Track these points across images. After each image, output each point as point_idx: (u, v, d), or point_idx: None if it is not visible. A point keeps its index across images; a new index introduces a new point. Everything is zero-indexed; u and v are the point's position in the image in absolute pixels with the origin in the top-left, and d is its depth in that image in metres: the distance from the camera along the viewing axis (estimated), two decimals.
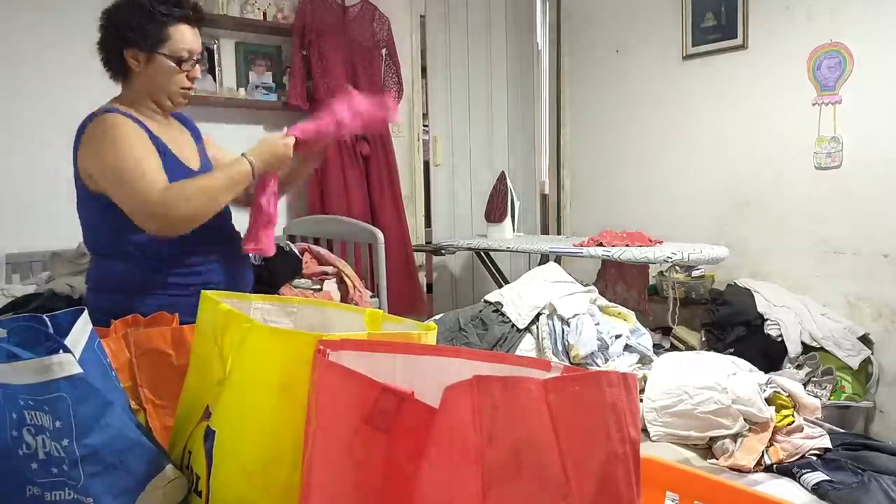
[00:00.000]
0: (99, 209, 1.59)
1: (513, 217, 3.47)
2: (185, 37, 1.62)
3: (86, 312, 0.77)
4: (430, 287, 4.18)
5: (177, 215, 1.49)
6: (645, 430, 1.59)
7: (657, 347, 2.66)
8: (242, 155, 1.61)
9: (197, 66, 1.68)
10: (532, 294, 2.03)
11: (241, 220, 1.78)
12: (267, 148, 1.63)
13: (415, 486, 0.55)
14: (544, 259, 3.12)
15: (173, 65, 1.61)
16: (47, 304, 2.21)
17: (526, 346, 1.94)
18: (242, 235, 1.73)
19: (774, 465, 1.47)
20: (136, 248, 1.58)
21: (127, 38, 1.58)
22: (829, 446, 1.52)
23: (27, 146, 2.77)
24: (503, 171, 3.60)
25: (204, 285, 1.63)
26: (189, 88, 1.67)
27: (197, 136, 1.81)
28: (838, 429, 1.74)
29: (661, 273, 3.40)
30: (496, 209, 3.46)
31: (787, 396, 1.57)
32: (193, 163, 1.71)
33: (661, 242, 2.93)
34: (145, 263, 1.59)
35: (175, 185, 1.53)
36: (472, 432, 0.52)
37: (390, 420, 0.56)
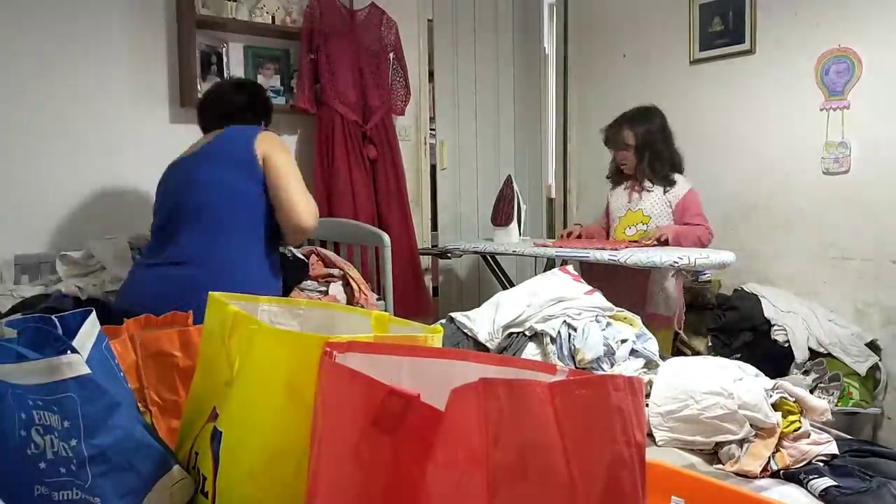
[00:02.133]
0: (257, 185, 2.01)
1: (519, 221, 3.47)
2: None
3: (94, 313, 0.77)
4: (435, 290, 4.18)
5: (310, 233, 2.14)
6: (651, 435, 1.58)
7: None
8: None
9: None
10: (510, 310, 2.03)
11: None
12: None
13: (421, 488, 0.55)
14: (550, 263, 3.12)
15: None
16: (56, 305, 2.22)
17: (531, 351, 1.93)
18: None
19: (781, 471, 1.46)
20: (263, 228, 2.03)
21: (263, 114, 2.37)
22: (837, 452, 1.51)
23: (36, 150, 2.78)
24: (510, 175, 3.60)
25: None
26: None
27: None
28: (846, 435, 1.72)
29: None
30: (502, 213, 3.46)
31: (794, 402, 1.56)
32: None
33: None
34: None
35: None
36: (478, 435, 0.52)
37: (396, 422, 0.56)
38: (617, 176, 3.25)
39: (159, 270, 1.96)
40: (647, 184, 3.08)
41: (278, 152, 2.07)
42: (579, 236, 3.25)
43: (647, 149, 3.06)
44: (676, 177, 3.07)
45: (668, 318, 2.96)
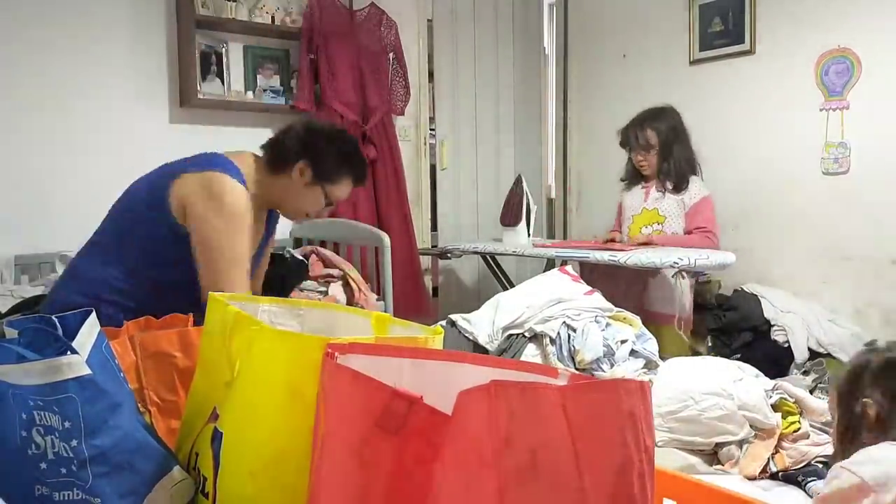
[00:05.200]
0: (163, 237, 1.56)
1: (528, 221, 3.42)
2: (346, 191, 1.73)
3: (94, 314, 0.77)
4: (435, 291, 4.18)
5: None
6: None
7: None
8: None
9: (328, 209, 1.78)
10: (509, 311, 2.03)
11: None
12: None
13: (424, 489, 0.55)
14: (550, 264, 3.11)
15: (323, 201, 1.71)
16: None
17: (531, 352, 1.93)
18: None
19: (780, 473, 1.47)
20: (158, 281, 1.57)
21: (313, 155, 1.64)
22: None
23: (37, 149, 2.78)
24: (520, 175, 3.56)
25: None
26: (305, 217, 1.77)
27: (269, 235, 1.86)
28: None
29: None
30: (511, 213, 3.43)
31: (794, 403, 1.56)
32: (250, 253, 1.66)
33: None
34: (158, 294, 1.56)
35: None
36: (488, 436, 0.52)
37: (400, 423, 0.56)
38: (634, 178, 3.21)
39: None
40: (668, 185, 3.05)
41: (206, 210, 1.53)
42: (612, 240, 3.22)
43: (669, 148, 3.03)
44: (692, 178, 3.05)
45: (672, 317, 2.96)
